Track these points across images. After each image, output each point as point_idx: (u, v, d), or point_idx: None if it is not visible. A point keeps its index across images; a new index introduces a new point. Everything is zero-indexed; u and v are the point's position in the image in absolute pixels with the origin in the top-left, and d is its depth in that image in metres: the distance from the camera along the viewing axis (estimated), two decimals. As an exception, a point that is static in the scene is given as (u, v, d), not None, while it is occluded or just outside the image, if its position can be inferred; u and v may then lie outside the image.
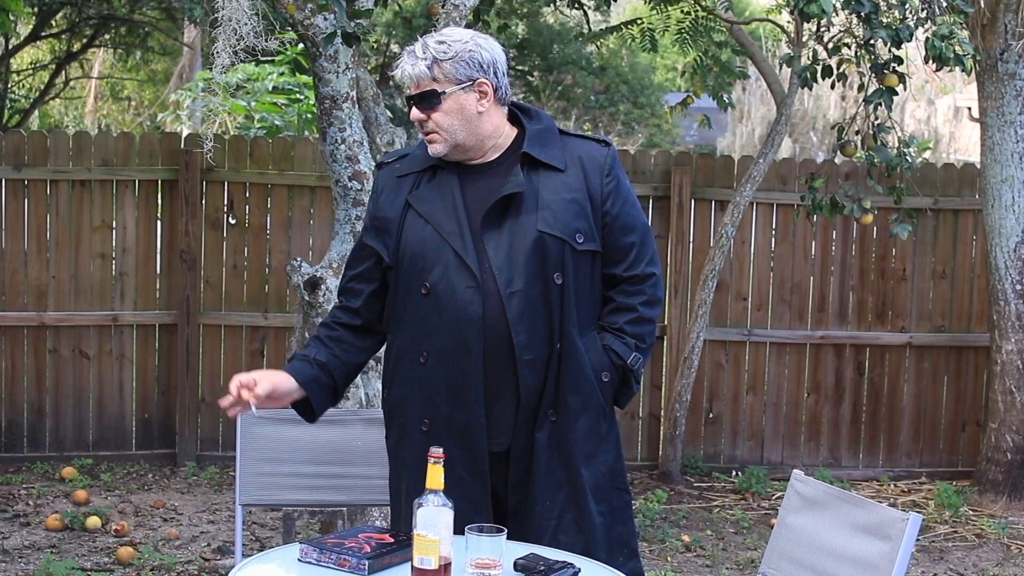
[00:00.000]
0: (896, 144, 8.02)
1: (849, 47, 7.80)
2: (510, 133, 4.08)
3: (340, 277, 4.32)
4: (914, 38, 7.47)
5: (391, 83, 17.65)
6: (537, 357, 3.94)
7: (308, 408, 4.16)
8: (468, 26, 6.74)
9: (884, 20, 7.39)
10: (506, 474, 4.02)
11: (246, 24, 5.82)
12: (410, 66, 3.96)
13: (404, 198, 4.06)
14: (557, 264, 3.95)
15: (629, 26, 9.98)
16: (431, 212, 4.00)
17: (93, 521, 7.67)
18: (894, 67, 7.54)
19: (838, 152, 8.22)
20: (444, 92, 3.94)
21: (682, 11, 9.64)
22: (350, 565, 3.59)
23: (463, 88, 3.95)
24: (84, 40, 17.04)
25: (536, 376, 3.96)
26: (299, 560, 3.67)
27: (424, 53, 3.95)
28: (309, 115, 11.74)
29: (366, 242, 4.16)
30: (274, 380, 4.04)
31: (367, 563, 3.57)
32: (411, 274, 4.00)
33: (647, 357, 4.12)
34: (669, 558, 7.60)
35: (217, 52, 5.88)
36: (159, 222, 9.22)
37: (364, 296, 4.17)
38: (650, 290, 4.10)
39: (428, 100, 3.96)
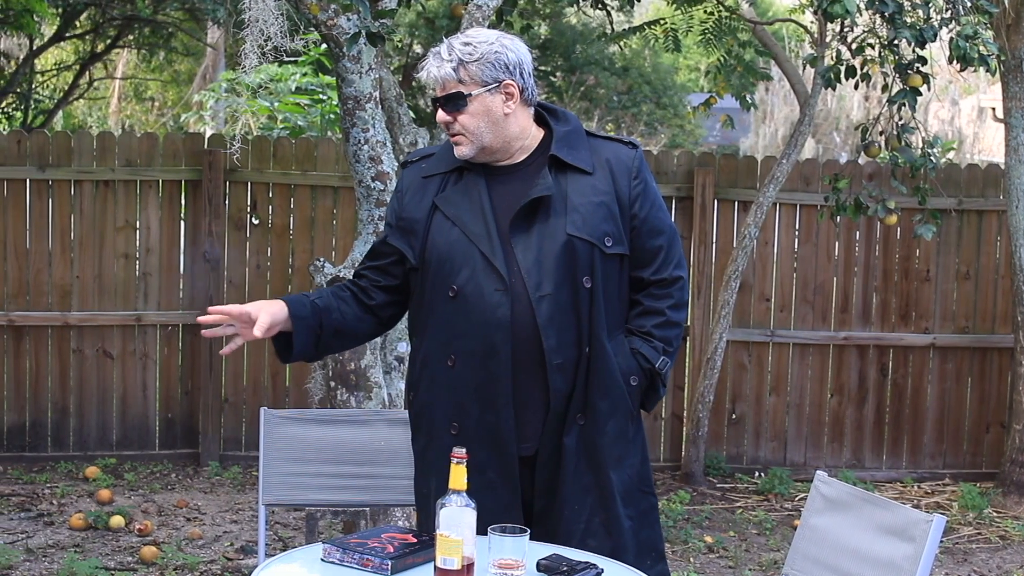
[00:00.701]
0: (920, 145, 7.99)
1: (873, 47, 7.78)
2: (537, 135, 4.05)
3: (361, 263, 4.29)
4: (938, 38, 7.45)
5: (414, 84, 17.67)
6: (566, 361, 3.93)
7: (286, 346, 4.16)
8: (491, 27, 6.74)
9: (908, 20, 7.38)
10: (533, 478, 4.01)
11: (273, 24, 5.83)
12: (436, 68, 3.93)
13: (430, 199, 4.03)
14: (586, 268, 3.93)
15: (652, 26, 9.97)
16: (458, 214, 3.98)
17: (116, 520, 7.70)
18: (918, 67, 7.52)
19: (862, 153, 8.20)
20: (470, 94, 3.91)
21: (705, 11, 9.63)
22: (373, 565, 3.59)
23: (489, 90, 3.92)
24: (108, 41, 17.08)
25: (565, 380, 3.94)
26: (322, 560, 3.68)
27: (450, 55, 3.91)
28: (332, 116, 11.75)
29: (390, 241, 4.12)
30: (271, 311, 4.07)
31: (390, 563, 3.57)
32: (438, 277, 3.97)
33: (673, 360, 4.11)
34: (692, 559, 7.59)
35: (244, 52, 5.89)
36: (182, 222, 9.24)
37: (375, 285, 4.17)
38: (677, 294, 4.09)
39: (454, 102, 3.92)
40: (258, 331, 4.01)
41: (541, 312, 3.90)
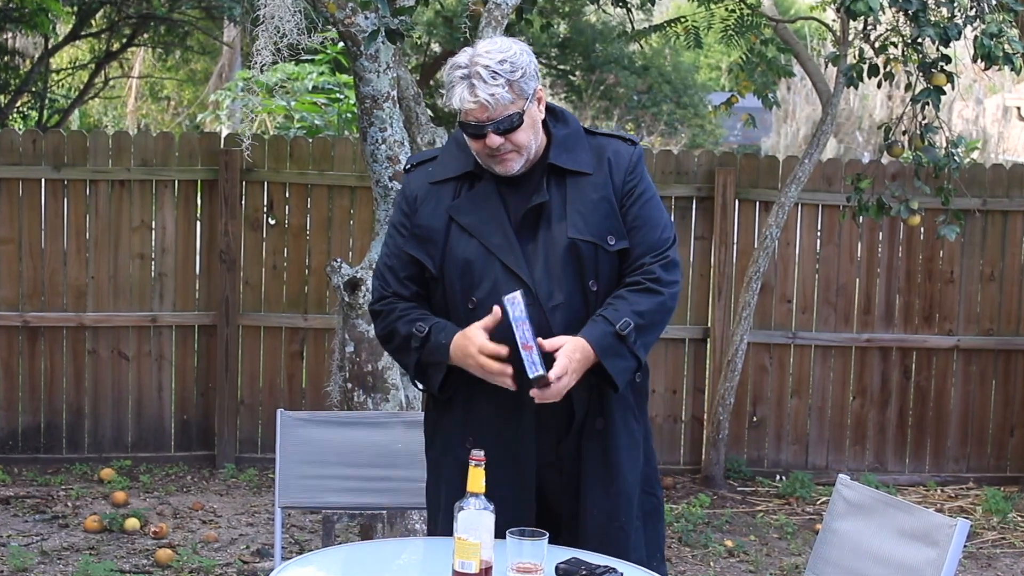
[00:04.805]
0: (944, 144, 7.98)
1: (896, 45, 7.77)
2: (543, 138, 4.00)
3: (386, 278, 4.09)
4: (962, 36, 7.43)
5: (432, 83, 17.68)
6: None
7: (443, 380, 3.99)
8: (510, 25, 6.75)
9: (932, 18, 7.36)
10: (558, 482, 4.01)
11: (289, 21, 5.84)
12: (486, 94, 3.80)
13: (445, 208, 3.98)
14: (591, 271, 3.92)
15: (673, 24, 9.95)
16: (475, 224, 3.94)
17: (132, 523, 7.71)
18: (942, 66, 7.50)
19: (885, 152, 8.18)
20: (522, 111, 3.85)
21: (726, 8, 9.61)
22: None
23: (530, 101, 3.87)
24: (123, 39, 17.10)
25: (585, 387, 3.92)
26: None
27: (494, 77, 3.80)
28: (349, 115, 11.77)
29: (407, 250, 4.03)
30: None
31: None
32: (456, 288, 3.93)
33: (652, 332, 3.96)
34: (712, 563, 7.58)
35: (259, 50, 5.90)
36: (198, 222, 9.26)
37: (417, 294, 4.04)
38: (671, 253, 4.01)
39: (509, 123, 3.84)
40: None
41: (556, 322, 3.88)
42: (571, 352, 3.81)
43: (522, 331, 3.70)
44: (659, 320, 3.97)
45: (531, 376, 3.71)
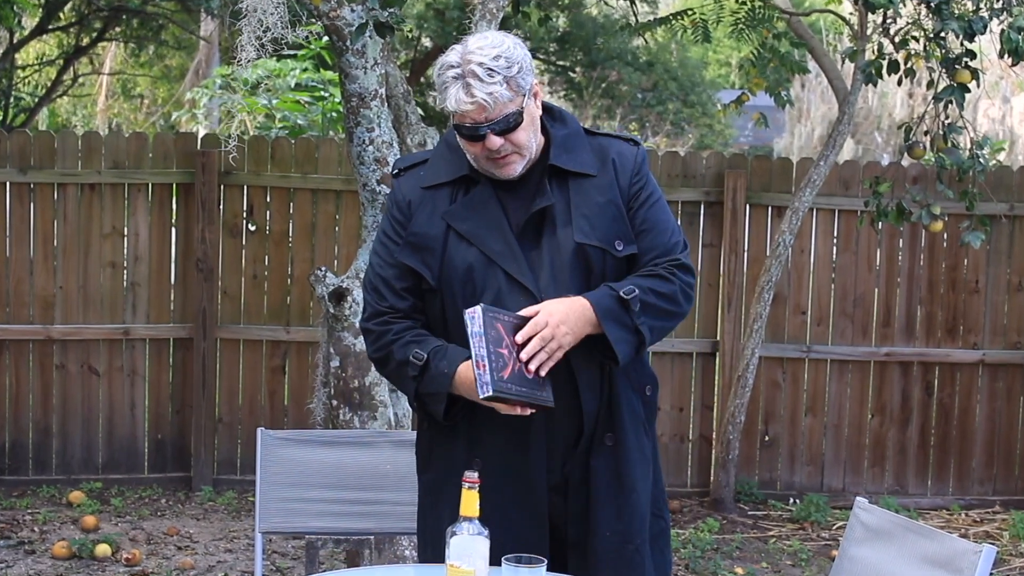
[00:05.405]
0: (968, 145, 7.98)
1: (917, 40, 7.78)
2: (540, 139, 3.99)
3: (379, 291, 4.05)
4: (988, 30, 7.43)
5: (422, 80, 17.69)
6: (592, 379, 3.92)
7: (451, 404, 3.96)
8: (506, 18, 6.76)
9: (956, 11, 7.37)
10: (566, 506, 4.00)
11: (272, 14, 5.83)
12: (485, 94, 3.77)
13: (441, 214, 3.96)
14: (599, 277, 3.91)
15: (679, 17, 9.96)
16: (473, 231, 3.92)
17: (103, 549, 7.70)
18: (966, 62, 7.51)
19: (905, 154, 8.19)
20: (521, 109, 3.83)
21: (737, 0, 9.61)
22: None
23: (527, 97, 3.85)
24: (94, 34, 17.10)
25: (594, 400, 3.93)
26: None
27: (491, 75, 3.76)
28: (334, 114, 11.76)
29: (402, 260, 3.99)
30: None
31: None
32: (457, 299, 3.90)
33: (659, 318, 3.93)
34: (721, 592, 7.59)
35: (242, 44, 5.89)
36: (173, 229, 9.25)
37: (414, 306, 4.00)
38: (684, 258, 4.00)
39: (507, 123, 3.82)
40: None
41: None
42: (553, 305, 3.82)
43: (477, 348, 3.68)
44: (667, 308, 3.94)
45: (481, 396, 3.69)
